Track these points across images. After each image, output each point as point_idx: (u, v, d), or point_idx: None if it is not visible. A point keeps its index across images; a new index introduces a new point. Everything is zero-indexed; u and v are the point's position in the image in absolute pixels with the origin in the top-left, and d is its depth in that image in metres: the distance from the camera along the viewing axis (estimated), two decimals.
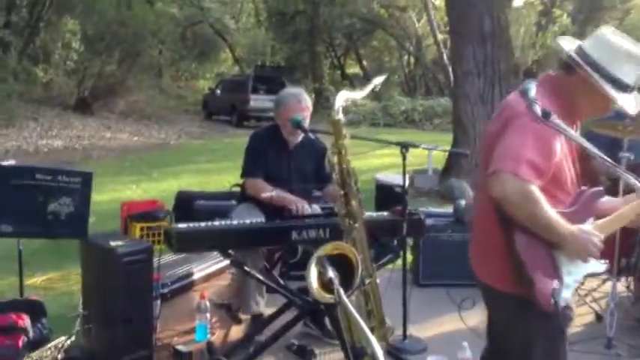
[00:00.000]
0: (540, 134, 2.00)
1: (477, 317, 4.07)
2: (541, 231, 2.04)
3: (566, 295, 2.09)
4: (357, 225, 1.84)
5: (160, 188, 9.44)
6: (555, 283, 2.06)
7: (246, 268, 3.01)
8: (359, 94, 2.05)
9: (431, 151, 9.18)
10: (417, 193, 9.68)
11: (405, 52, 31.43)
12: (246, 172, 3.75)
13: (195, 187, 9.56)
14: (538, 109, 1.76)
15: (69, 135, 15.24)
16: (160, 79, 25.64)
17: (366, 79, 32.69)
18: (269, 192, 3.31)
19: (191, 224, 3.21)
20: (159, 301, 3.66)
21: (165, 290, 4.16)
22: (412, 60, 33.11)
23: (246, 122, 20.68)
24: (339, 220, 1.88)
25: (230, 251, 3.21)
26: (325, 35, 29.89)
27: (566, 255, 2.10)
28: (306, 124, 3.61)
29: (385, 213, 3.71)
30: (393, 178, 7.29)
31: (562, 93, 2.14)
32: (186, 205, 6.66)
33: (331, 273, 1.55)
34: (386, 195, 6.76)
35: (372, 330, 1.85)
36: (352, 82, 30.25)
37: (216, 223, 3.27)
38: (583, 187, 2.20)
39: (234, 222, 3.30)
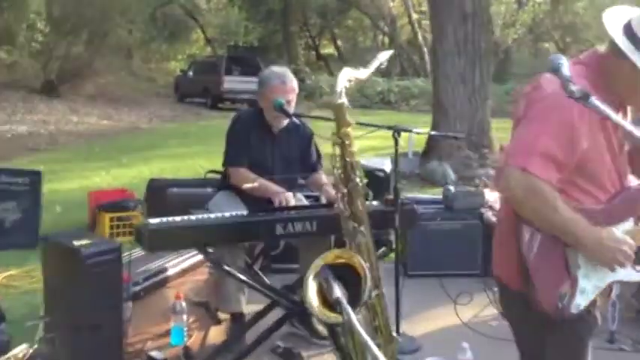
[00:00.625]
0: (564, 119, 1.74)
1: (472, 311, 3.86)
2: (554, 232, 1.80)
3: (580, 301, 1.84)
4: (362, 228, 1.57)
5: (131, 174, 9.05)
6: (565, 287, 1.83)
7: (225, 267, 2.71)
8: (364, 72, 1.75)
9: (412, 135, 8.93)
10: (397, 176, 9.44)
11: (380, 31, 31.16)
12: (229, 161, 3.44)
13: (167, 172, 9.20)
14: (575, 88, 1.48)
15: (34, 120, 14.66)
16: (129, 61, 24.94)
17: (341, 60, 32.36)
18: (251, 183, 3.00)
19: (164, 219, 2.89)
20: (130, 303, 3.35)
21: (138, 288, 3.85)
22: (387, 40, 32.83)
23: (220, 104, 20.24)
24: (342, 223, 1.60)
25: (209, 248, 2.91)
26: (299, 14, 29.40)
27: (586, 257, 1.85)
28: (292, 107, 3.32)
29: (375, 202, 3.44)
30: (376, 162, 7.03)
31: (607, 77, 1.83)
32: (158, 193, 6.30)
33: (337, 290, 1.27)
34: (369, 180, 6.50)
35: (379, 347, 1.58)
36: (327, 63, 29.89)
37: (193, 217, 2.97)
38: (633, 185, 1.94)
39: (212, 216, 3.00)
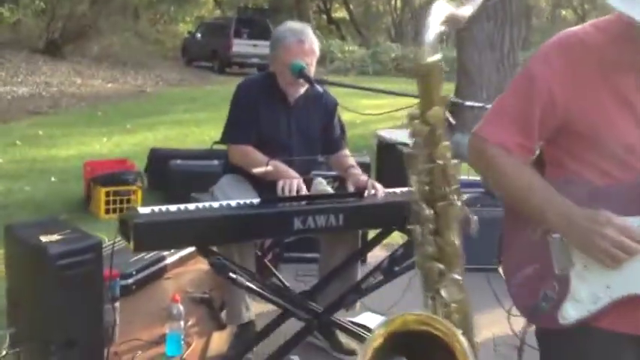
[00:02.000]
0: (526, 72, 1.47)
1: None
2: (519, 208, 1.45)
3: (572, 311, 1.38)
4: (455, 275, 0.98)
5: (133, 141, 8.48)
6: (549, 285, 1.38)
7: (232, 275, 2.15)
8: (467, 9, 1.17)
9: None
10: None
11: None
12: (230, 137, 2.85)
13: (172, 140, 8.62)
14: None
15: (36, 81, 14.04)
16: (136, 22, 24.14)
17: (353, 24, 31.41)
18: (262, 166, 2.41)
19: (156, 209, 2.32)
20: (117, 303, 2.81)
21: (130, 281, 3.32)
22: (399, 4, 31.83)
23: (228, 69, 19.58)
24: (418, 265, 1.01)
25: (212, 248, 2.34)
26: None
27: (581, 253, 1.38)
28: (312, 72, 2.72)
29: (411, 189, 2.85)
30: (399, 135, 6.42)
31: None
32: (160, 165, 5.74)
33: None
34: (389, 155, 5.91)
35: None
36: (339, 27, 28.99)
37: (192, 206, 2.39)
38: None
39: (216, 205, 2.42)
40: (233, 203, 2.46)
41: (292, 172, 2.61)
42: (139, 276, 3.38)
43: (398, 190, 2.83)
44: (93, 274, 2.28)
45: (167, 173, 5.55)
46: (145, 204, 5.27)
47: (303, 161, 2.80)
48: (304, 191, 2.52)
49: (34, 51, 17.37)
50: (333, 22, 29.98)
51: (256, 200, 2.48)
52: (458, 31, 9.16)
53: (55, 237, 2.21)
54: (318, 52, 2.84)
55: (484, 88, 8.69)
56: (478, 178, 4.38)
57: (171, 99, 13.32)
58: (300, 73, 2.59)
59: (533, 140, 1.45)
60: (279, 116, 2.86)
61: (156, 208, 2.35)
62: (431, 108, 0.90)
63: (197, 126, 9.85)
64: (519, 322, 3.08)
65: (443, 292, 0.90)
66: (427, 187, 0.93)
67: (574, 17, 36.37)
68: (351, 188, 2.74)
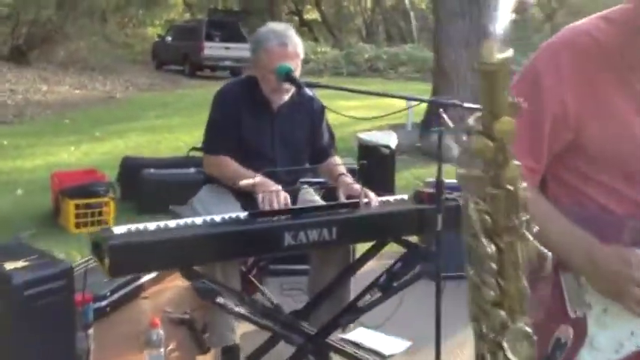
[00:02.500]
0: (544, 81, 1.23)
1: None
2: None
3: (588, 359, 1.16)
4: (521, 325, 0.79)
5: (103, 150, 8.19)
6: (563, 330, 1.19)
7: (220, 300, 1.95)
8: None
9: (410, 103, 8.01)
10: (397, 150, 8.71)
11: None
12: (210, 148, 2.64)
13: (144, 148, 8.34)
14: None
15: (0, 89, 13.61)
16: (103, 26, 23.64)
17: (326, 25, 31.27)
18: (248, 179, 2.20)
19: (133, 228, 2.10)
20: (91, 330, 2.58)
21: (104, 303, 3.08)
22: (369, 5, 31.83)
23: (199, 72, 19.27)
24: (473, 314, 0.82)
25: (195, 268, 2.13)
26: None
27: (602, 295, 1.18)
28: (297, 76, 2.52)
29: (404, 197, 2.68)
30: (379, 136, 6.26)
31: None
32: (132, 174, 5.48)
33: None
34: (370, 157, 5.73)
35: None
36: (311, 29, 28.83)
37: (172, 224, 2.17)
38: None
39: (199, 221, 2.21)
40: (217, 218, 2.26)
41: (271, 184, 2.40)
42: (114, 297, 3.15)
43: (391, 197, 2.65)
44: (64, 303, 2.06)
45: (140, 183, 5.31)
46: (117, 216, 5.04)
47: (288, 172, 2.61)
48: (288, 204, 2.33)
49: None
50: (306, 24, 29.79)
51: (243, 214, 2.28)
52: (434, 31, 9.07)
53: (20, 263, 1.98)
54: (302, 55, 2.66)
55: (461, 88, 8.60)
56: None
57: (142, 104, 13.00)
58: (287, 77, 2.39)
59: (542, 160, 1.25)
60: (261, 125, 2.67)
61: (132, 227, 2.14)
62: (498, 118, 0.71)
63: (170, 132, 9.57)
64: None
65: (507, 348, 0.72)
66: (489, 218, 0.75)
67: (541, 15, 36.80)
68: (342, 197, 2.54)
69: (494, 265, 0.75)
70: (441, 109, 2.34)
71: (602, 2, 1.30)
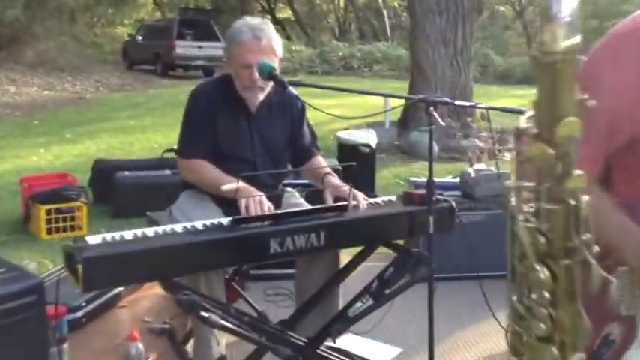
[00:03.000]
0: (605, 82, 1.15)
1: None
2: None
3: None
4: None
5: (74, 152, 7.96)
6: (612, 327, 1.16)
7: (204, 314, 1.82)
8: None
9: (388, 101, 7.87)
10: (377, 149, 8.64)
11: None
12: (184, 151, 2.50)
13: (116, 150, 8.14)
14: None
15: None
16: (72, 26, 23.15)
17: (299, 24, 31.09)
18: (229, 184, 2.07)
19: (108, 237, 1.97)
20: (65, 344, 2.43)
21: (79, 314, 2.93)
22: (342, 4, 31.78)
23: (171, 72, 18.97)
24: (514, 349, 0.71)
25: (176, 279, 2.00)
26: None
27: None
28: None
29: (392, 198, 2.58)
30: (358, 135, 6.17)
31: None
32: (105, 178, 5.30)
33: None
34: (350, 157, 5.62)
35: None
36: (284, 28, 28.63)
37: (150, 231, 2.05)
38: None
39: (179, 229, 2.09)
40: (199, 225, 2.13)
41: (253, 191, 2.29)
42: (90, 307, 3.00)
43: (379, 199, 2.56)
44: (35, 319, 1.91)
45: (114, 186, 5.14)
46: (90, 221, 4.86)
47: (270, 175, 2.49)
48: (271, 209, 2.21)
49: None
50: (278, 23, 29.57)
51: (225, 220, 2.16)
52: (411, 29, 9.01)
53: None
54: (280, 52, 2.53)
55: (438, 85, 8.56)
56: (454, 179, 4.16)
57: (113, 105, 12.73)
58: (270, 75, 2.28)
59: (601, 150, 1.18)
60: (239, 126, 2.53)
61: (107, 236, 2.00)
62: (560, 119, 0.60)
63: (143, 133, 9.37)
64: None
65: None
66: (544, 238, 0.64)
67: (512, 13, 37.11)
68: (329, 199, 2.42)
69: (546, 294, 0.64)
70: (432, 107, 2.23)
71: None
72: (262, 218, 2.15)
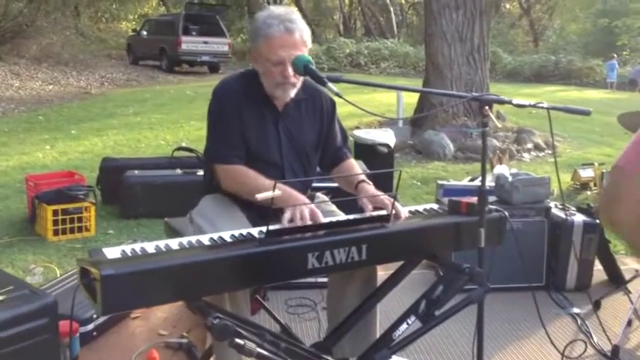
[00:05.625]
0: None
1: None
2: None
3: None
4: None
5: (80, 149, 7.75)
6: None
7: (239, 341, 1.60)
8: None
9: (401, 99, 7.64)
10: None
11: None
12: (221, 157, 2.25)
13: (123, 147, 7.93)
14: None
15: None
16: (76, 20, 22.94)
17: (305, 19, 30.83)
18: (268, 192, 1.86)
19: (128, 250, 1.76)
20: None
21: (90, 327, 2.71)
22: (348, 0, 31.56)
23: (177, 67, 18.79)
24: None
25: (205, 299, 1.78)
26: None
27: None
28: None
29: (433, 206, 2.36)
30: (376, 135, 5.94)
31: None
32: (114, 177, 5.09)
33: None
34: (368, 157, 5.40)
35: None
36: None
37: (175, 244, 1.83)
38: None
39: (206, 241, 1.87)
40: (227, 237, 1.91)
41: (302, 198, 2.07)
42: (101, 319, 2.78)
43: (420, 208, 2.33)
44: (47, 345, 1.69)
45: (123, 186, 4.92)
46: (99, 222, 4.65)
47: (298, 175, 2.27)
48: (320, 219, 1.98)
49: None
50: None
51: (255, 231, 1.94)
52: (426, 25, 8.77)
53: None
54: (310, 42, 2.30)
55: (454, 83, 8.34)
56: (471, 182, 3.92)
57: (119, 100, 12.53)
58: (307, 70, 2.05)
59: None
60: (266, 126, 2.30)
61: (127, 249, 1.79)
62: None
63: (150, 129, 9.16)
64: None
65: None
66: None
67: (518, 11, 36.83)
68: (366, 209, 2.19)
69: None
70: (487, 107, 2.01)
71: None
72: (300, 229, 1.92)
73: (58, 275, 3.49)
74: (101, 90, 14.62)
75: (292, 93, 2.29)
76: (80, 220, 4.51)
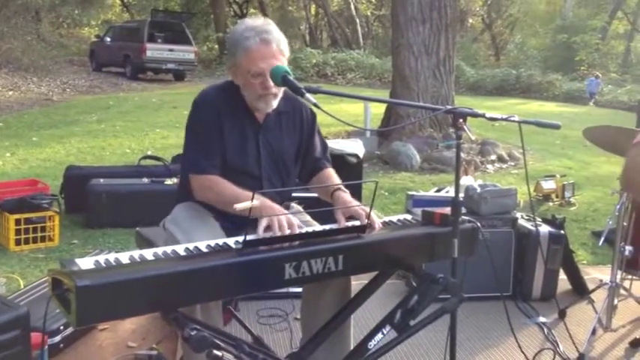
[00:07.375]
0: None
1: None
2: None
3: None
4: None
5: (42, 156, 7.59)
6: None
7: (217, 353, 1.59)
8: None
9: (369, 110, 7.73)
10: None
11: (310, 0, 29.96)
12: (198, 167, 2.23)
13: (87, 154, 7.79)
14: None
15: None
16: (38, 24, 22.50)
17: None
18: (247, 202, 1.84)
19: (102, 261, 1.73)
20: None
21: (57, 339, 2.65)
22: (313, 10, 31.70)
23: (141, 75, 18.57)
24: None
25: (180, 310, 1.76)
26: None
27: None
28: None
29: (407, 217, 2.38)
30: (346, 145, 5.95)
31: None
32: (78, 185, 4.99)
33: None
34: (335, 166, 5.40)
35: None
36: None
37: (149, 255, 1.81)
38: None
39: (182, 251, 1.85)
40: (203, 247, 1.90)
41: (278, 208, 2.07)
42: (68, 331, 2.72)
43: (394, 218, 2.35)
44: (19, 356, 1.65)
45: (88, 195, 4.83)
46: (63, 232, 4.55)
47: (277, 191, 2.27)
48: (296, 229, 1.98)
49: None
50: None
51: (231, 241, 1.94)
52: (393, 37, 8.87)
53: None
54: (287, 51, 2.31)
55: (421, 95, 8.45)
56: (437, 192, 3.97)
57: (82, 107, 12.32)
58: (284, 80, 2.05)
59: None
60: (246, 139, 2.30)
61: (101, 259, 1.76)
62: None
63: (115, 137, 9.02)
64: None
65: None
66: None
67: (481, 25, 37.53)
68: (340, 218, 2.19)
69: None
70: (461, 120, 2.04)
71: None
72: (276, 240, 1.92)
73: (22, 286, 3.40)
74: (63, 96, 14.35)
75: (274, 103, 2.29)
76: (44, 229, 4.41)
